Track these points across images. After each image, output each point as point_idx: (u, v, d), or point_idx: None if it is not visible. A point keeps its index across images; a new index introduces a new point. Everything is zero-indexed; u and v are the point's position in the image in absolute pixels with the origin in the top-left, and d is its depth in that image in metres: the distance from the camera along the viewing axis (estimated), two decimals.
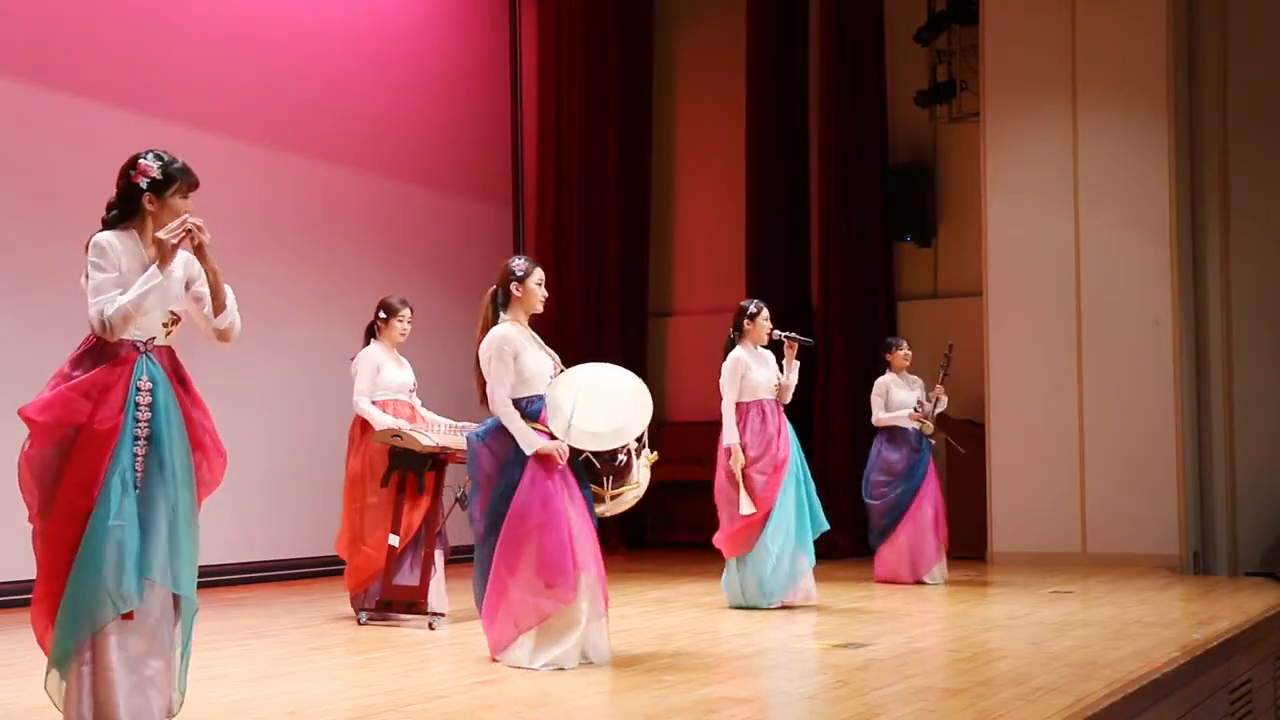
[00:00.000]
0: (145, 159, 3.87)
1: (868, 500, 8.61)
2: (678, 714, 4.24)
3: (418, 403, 6.91)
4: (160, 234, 3.77)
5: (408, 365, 6.93)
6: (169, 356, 3.89)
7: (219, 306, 3.93)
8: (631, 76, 11.99)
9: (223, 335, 3.98)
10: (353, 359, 6.88)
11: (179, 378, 3.89)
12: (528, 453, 5.09)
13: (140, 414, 3.73)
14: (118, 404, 3.71)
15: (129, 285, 3.75)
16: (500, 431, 5.18)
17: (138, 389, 3.75)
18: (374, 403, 6.73)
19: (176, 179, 3.88)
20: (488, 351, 5.22)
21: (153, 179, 3.86)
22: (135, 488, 3.68)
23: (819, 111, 11.38)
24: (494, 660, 5.21)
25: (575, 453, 5.21)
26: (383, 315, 6.85)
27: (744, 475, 7.12)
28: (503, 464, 5.15)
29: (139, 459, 3.71)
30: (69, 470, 3.68)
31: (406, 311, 6.88)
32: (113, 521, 3.62)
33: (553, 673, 5.02)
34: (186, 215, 3.82)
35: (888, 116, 11.34)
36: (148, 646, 3.72)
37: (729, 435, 7.20)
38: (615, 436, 5.19)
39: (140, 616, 3.69)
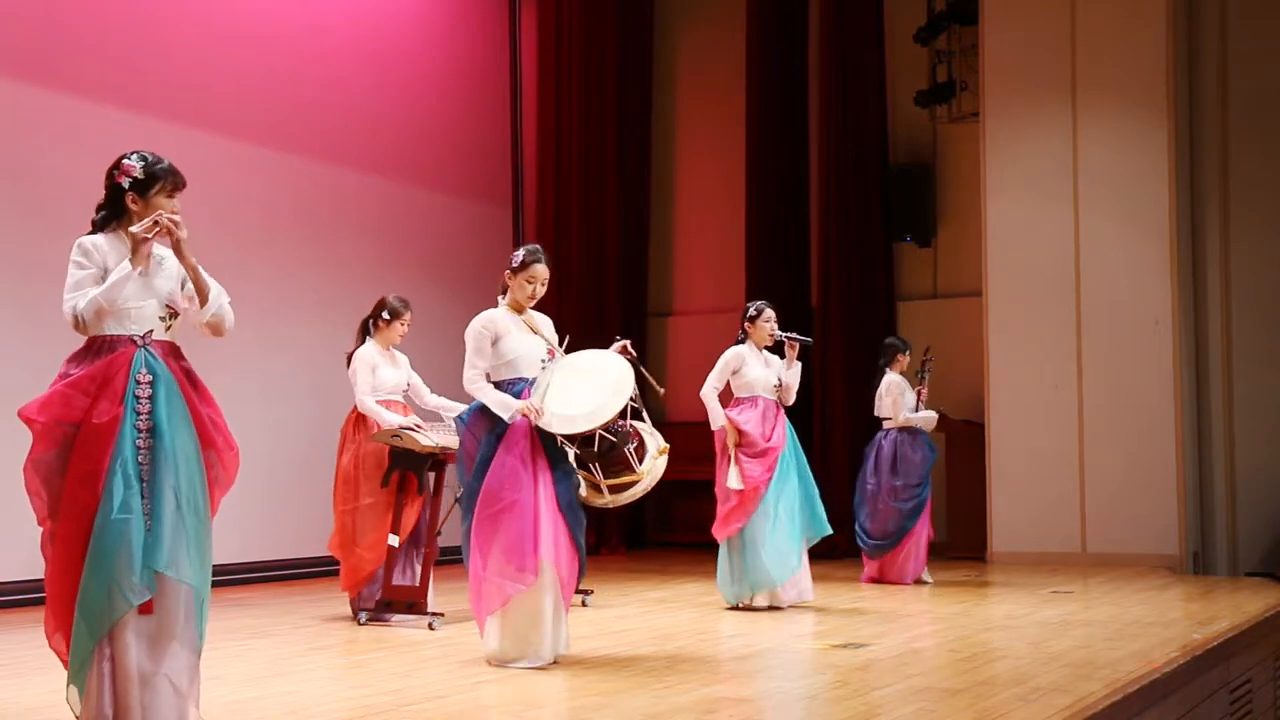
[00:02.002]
0: (129, 159, 3.87)
1: (895, 504, 8.40)
2: (678, 714, 4.24)
3: (425, 391, 6.92)
4: (133, 229, 3.77)
5: (403, 364, 6.93)
6: (173, 351, 3.87)
7: (202, 301, 3.90)
8: (631, 76, 11.99)
9: (213, 329, 3.95)
10: (348, 354, 6.88)
11: (186, 373, 3.87)
12: (505, 416, 5.15)
13: (140, 406, 3.71)
14: (116, 397, 3.70)
15: (126, 287, 3.76)
16: (479, 413, 5.25)
17: (137, 382, 3.73)
18: None
19: (160, 178, 3.87)
20: (469, 332, 5.31)
21: (134, 178, 3.85)
22: (141, 480, 3.66)
23: (819, 111, 11.38)
24: (485, 652, 5.21)
25: (551, 439, 5.22)
26: (385, 316, 6.84)
27: (735, 452, 7.14)
28: (480, 442, 5.21)
29: (142, 451, 3.69)
30: (73, 467, 3.68)
31: (408, 315, 6.89)
32: (116, 515, 3.61)
33: (551, 672, 5.03)
34: (160, 211, 3.79)
35: (888, 116, 11.34)
36: (170, 642, 3.70)
37: (716, 418, 7.24)
38: (585, 420, 5.20)
39: (159, 611, 3.68)
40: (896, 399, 8.51)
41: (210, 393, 3.92)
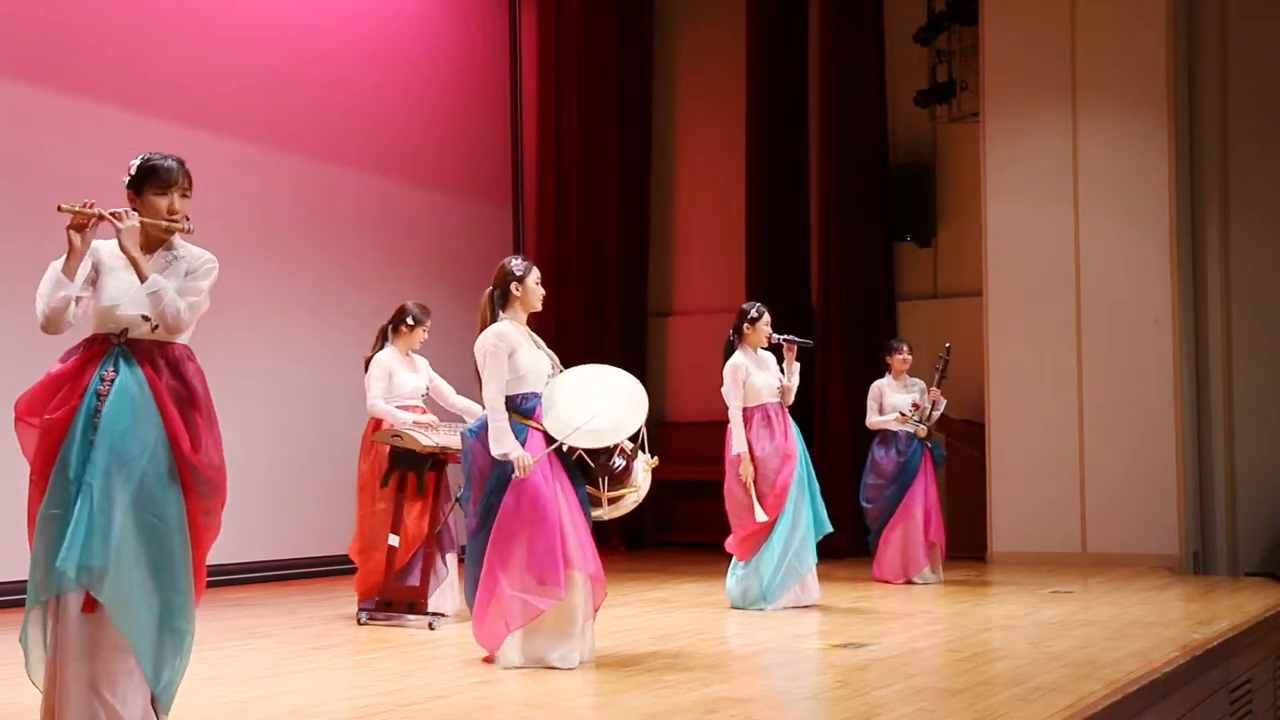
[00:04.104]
0: (133, 160, 3.86)
1: (863, 504, 8.65)
2: (678, 714, 4.24)
3: (450, 391, 6.93)
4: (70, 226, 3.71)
5: (423, 367, 6.96)
6: (160, 352, 3.79)
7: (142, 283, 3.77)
8: (631, 76, 11.98)
9: (157, 317, 3.75)
10: (366, 358, 6.89)
11: (175, 376, 3.79)
12: (494, 453, 5.09)
13: (99, 404, 3.67)
14: (74, 395, 3.69)
15: (109, 287, 3.78)
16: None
17: (100, 379, 3.70)
18: None
19: (151, 175, 3.83)
20: (483, 348, 5.24)
21: (131, 176, 3.84)
22: (85, 478, 3.60)
23: (819, 111, 11.38)
24: (489, 660, 5.21)
25: (569, 451, 5.22)
26: (409, 323, 6.87)
27: (753, 486, 7.11)
28: (496, 458, 5.16)
29: (93, 448, 3.64)
30: (35, 462, 3.70)
31: (428, 323, 6.94)
32: (44, 511, 3.62)
33: (551, 672, 5.02)
34: (93, 202, 3.71)
35: (888, 116, 11.34)
36: (103, 646, 3.63)
37: (738, 443, 7.16)
38: (611, 434, 5.20)
39: (101, 613, 3.61)
40: (868, 404, 8.64)
41: (206, 399, 3.83)
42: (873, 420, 8.62)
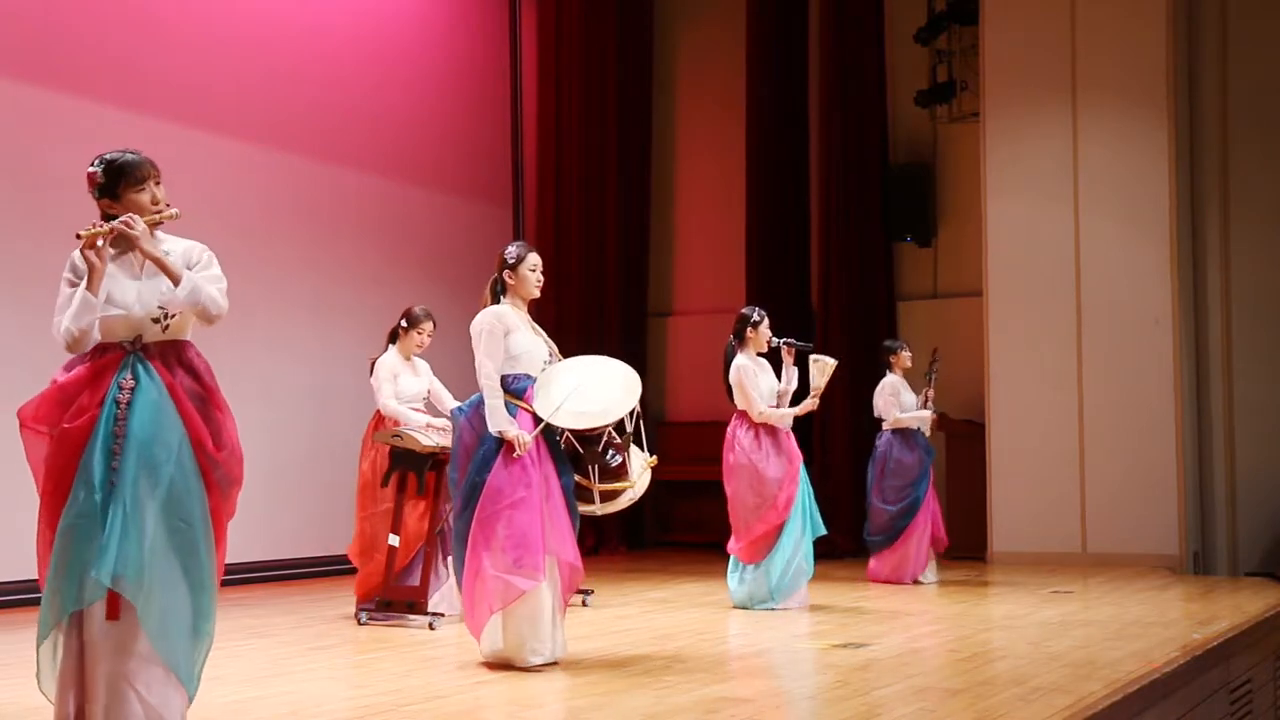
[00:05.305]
0: (91, 167, 3.77)
1: (882, 505, 8.50)
2: (678, 714, 4.24)
3: (447, 396, 6.95)
4: (74, 254, 3.65)
5: (424, 371, 6.97)
6: (174, 352, 3.78)
7: (175, 284, 3.74)
8: (631, 76, 11.99)
9: (197, 315, 3.78)
10: (371, 360, 6.90)
11: (191, 375, 3.78)
12: (492, 430, 5.11)
13: (119, 412, 3.64)
14: (92, 403, 3.65)
15: (114, 295, 3.73)
16: (482, 407, 5.20)
17: (119, 387, 3.67)
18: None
19: (121, 174, 3.76)
20: (478, 327, 5.26)
21: (99, 184, 3.76)
22: (110, 485, 3.58)
23: (819, 111, 11.38)
24: (480, 652, 5.19)
25: (557, 435, 5.21)
26: (404, 324, 6.90)
27: (763, 489, 7.10)
28: (481, 437, 5.17)
29: (116, 457, 3.61)
30: (48, 471, 3.67)
31: (429, 325, 6.93)
32: (68, 520, 3.59)
33: (551, 672, 5.02)
34: (95, 223, 3.68)
35: (888, 116, 11.34)
36: (134, 652, 3.62)
37: (788, 415, 7.22)
38: (600, 416, 5.19)
39: (125, 620, 3.60)
40: (888, 400, 8.55)
41: (218, 390, 3.84)
42: (900, 417, 8.55)
